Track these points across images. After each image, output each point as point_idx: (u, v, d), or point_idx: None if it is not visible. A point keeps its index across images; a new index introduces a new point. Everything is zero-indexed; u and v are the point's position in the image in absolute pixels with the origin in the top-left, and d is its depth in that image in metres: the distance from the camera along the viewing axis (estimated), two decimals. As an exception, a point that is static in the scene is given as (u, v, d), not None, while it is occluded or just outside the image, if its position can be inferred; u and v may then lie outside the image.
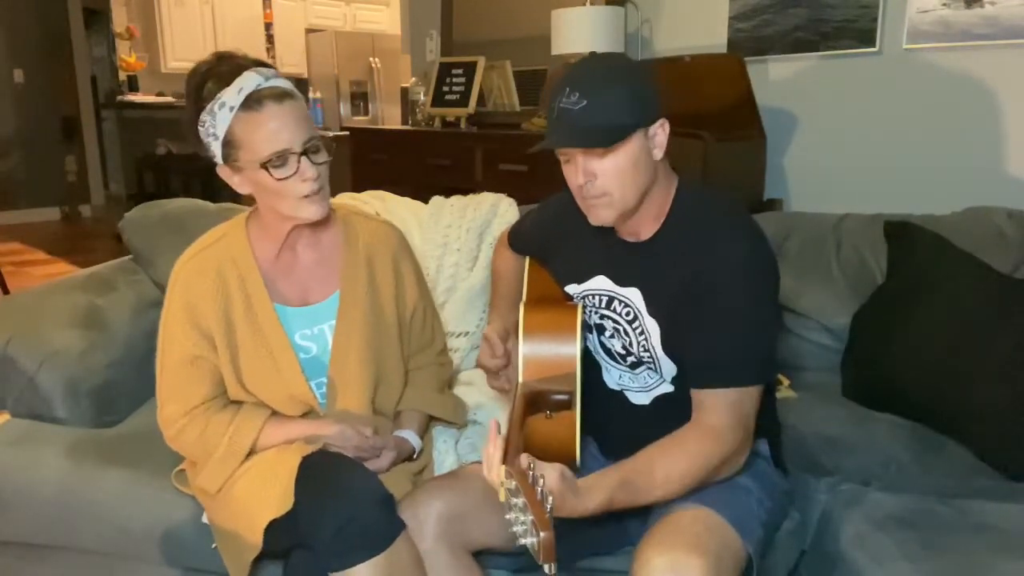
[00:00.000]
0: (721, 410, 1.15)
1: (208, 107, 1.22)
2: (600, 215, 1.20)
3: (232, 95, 1.20)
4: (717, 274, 1.16)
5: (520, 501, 0.89)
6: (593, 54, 1.26)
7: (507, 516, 0.91)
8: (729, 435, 1.14)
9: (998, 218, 1.85)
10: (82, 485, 1.50)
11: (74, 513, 1.51)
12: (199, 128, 1.25)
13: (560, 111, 1.15)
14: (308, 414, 1.40)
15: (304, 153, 1.23)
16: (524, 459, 0.99)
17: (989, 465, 1.46)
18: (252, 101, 1.20)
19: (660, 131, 1.18)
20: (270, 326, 1.34)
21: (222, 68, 1.24)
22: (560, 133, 1.16)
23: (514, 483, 0.90)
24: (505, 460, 0.97)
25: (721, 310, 1.16)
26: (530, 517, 0.86)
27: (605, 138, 1.14)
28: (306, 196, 1.25)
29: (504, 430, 1.07)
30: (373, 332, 1.41)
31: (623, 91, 1.15)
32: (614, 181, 1.16)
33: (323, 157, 1.26)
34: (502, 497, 0.94)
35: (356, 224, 1.45)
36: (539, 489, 0.90)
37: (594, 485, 1.06)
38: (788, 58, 2.69)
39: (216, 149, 1.24)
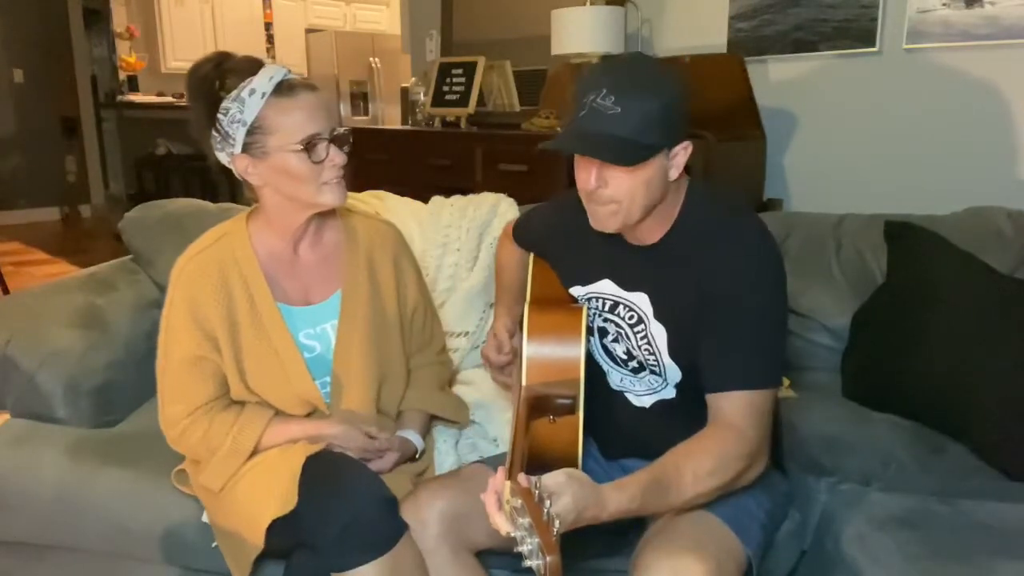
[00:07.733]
0: (740, 411, 1.13)
1: (234, 95, 1.24)
2: (603, 222, 1.18)
3: (263, 82, 1.23)
4: (727, 276, 1.15)
5: (526, 521, 0.86)
6: (636, 55, 1.22)
7: (513, 534, 0.88)
8: (750, 433, 1.13)
9: (998, 218, 1.85)
10: (82, 485, 1.50)
11: (74, 513, 1.51)
12: (220, 117, 1.25)
13: (591, 110, 1.10)
14: (312, 414, 1.40)
15: (332, 141, 1.26)
16: (523, 478, 0.95)
17: (989, 465, 1.46)
18: (285, 88, 1.24)
19: (682, 152, 1.16)
20: (274, 326, 1.34)
21: (231, 64, 1.27)
22: (587, 140, 1.11)
23: (519, 502, 0.88)
24: (510, 475, 0.94)
25: (734, 313, 1.15)
26: (536, 540, 0.83)
27: (632, 155, 1.10)
28: (329, 182, 1.27)
29: (507, 436, 1.05)
30: (376, 330, 1.41)
31: (659, 106, 1.10)
32: (625, 194, 1.14)
33: (346, 148, 1.29)
34: (508, 528, 0.90)
35: (356, 223, 1.45)
36: (545, 510, 0.87)
37: (619, 488, 1.02)
38: (788, 58, 2.69)
39: (239, 136, 1.25)
